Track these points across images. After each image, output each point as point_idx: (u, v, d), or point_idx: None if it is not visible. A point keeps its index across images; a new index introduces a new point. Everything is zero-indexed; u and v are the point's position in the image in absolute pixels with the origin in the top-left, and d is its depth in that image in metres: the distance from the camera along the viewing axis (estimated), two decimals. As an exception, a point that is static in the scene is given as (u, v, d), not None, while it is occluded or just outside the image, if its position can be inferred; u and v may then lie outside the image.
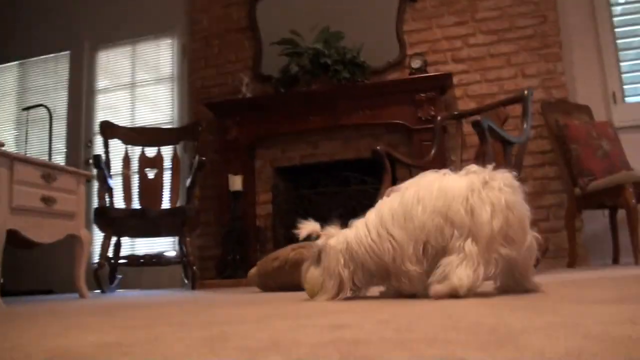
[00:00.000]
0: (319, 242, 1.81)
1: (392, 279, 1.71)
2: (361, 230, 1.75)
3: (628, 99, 5.05)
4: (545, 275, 3.08)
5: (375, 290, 1.87)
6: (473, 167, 1.70)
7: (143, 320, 1.39)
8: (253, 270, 3.17)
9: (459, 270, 1.51)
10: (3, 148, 3.08)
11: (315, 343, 0.80)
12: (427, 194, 1.63)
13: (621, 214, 4.40)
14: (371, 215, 1.77)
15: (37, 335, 1.15)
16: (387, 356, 0.66)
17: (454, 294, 1.50)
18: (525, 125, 3.84)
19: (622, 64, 5.08)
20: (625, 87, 5.05)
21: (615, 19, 5.14)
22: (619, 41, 5.10)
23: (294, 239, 4.53)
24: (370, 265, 1.72)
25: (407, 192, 1.70)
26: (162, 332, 1.08)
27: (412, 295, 1.68)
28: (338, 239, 1.78)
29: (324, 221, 1.94)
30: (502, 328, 0.87)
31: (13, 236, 3.16)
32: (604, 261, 4.70)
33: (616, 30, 5.12)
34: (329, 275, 1.76)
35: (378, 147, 3.88)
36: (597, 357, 0.60)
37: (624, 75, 5.07)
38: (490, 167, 1.67)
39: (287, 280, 2.84)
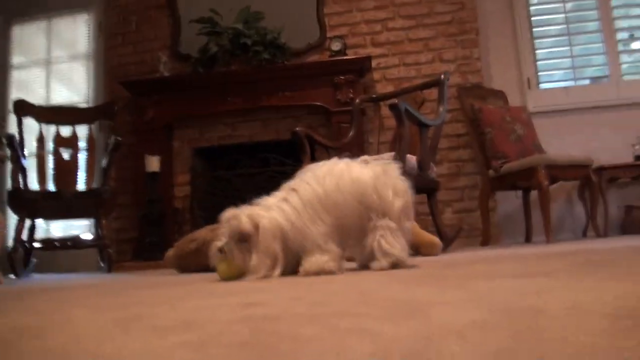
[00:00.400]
0: (245, 224, 1.81)
1: (311, 257, 1.83)
2: (290, 213, 1.85)
3: (542, 85, 5.25)
4: (458, 253, 3.18)
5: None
6: (366, 157, 2.04)
7: (56, 304, 1.36)
8: (170, 252, 3.13)
9: (391, 243, 1.84)
10: None
11: (227, 320, 0.80)
12: (344, 183, 1.87)
13: (533, 194, 4.58)
14: (294, 198, 1.88)
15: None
16: (297, 330, 0.67)
17: (396, 264, 1.84)
18: (440, 109, 3.93)
19: (537, 51, 5.27)
20: (539, 73, 5.24)
21: (531, 7, 5.32)
22: (534, 29, 5.29)
23: (212, 221, 4.49)
24: (295, 246, 1.84)
25: (327, 180, 1.88)
26: (75, 314, 1.06)
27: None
28: (270, 221, 1.83)
29: (243, 203, 1.95)
30: (411, 302, 0.89)
31: None
32: (517, 240, 4.89)
33: (532, 18, 5.30)
34: (266, 256, 1.81)
35: (297, 129, 3.89)
36: (500, 327, 0.62)
37: (538, 62, 5.25)
38: (383, 157, 2.13)
39: (205, 262, 2.81)
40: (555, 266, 1.55)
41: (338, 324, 0.70)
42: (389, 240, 1.84)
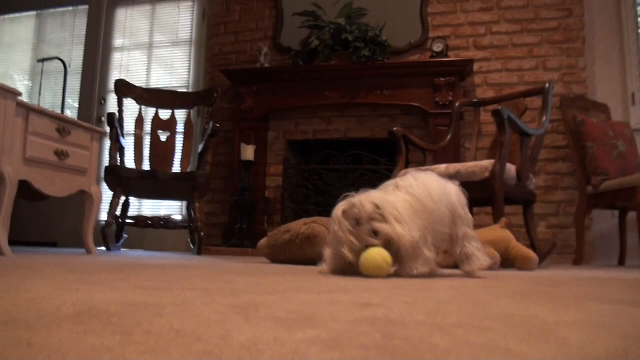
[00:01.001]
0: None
1: (406, 261, 1.88)
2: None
3: (647, 101, 5.00)
4: (552, 270, 3.08)
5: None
6: (423, 168, 2.23)
7: (162, 282, 1.38)
8: (263, 241, 3.18)
9: (478, 252, 2.07)
10: (19, 98, 3.06)
11: (350, 319, 0.79)
12: (436, 193, 1.95)
13: (631, 215, 4.39)
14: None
15: (58, 289, 1.15)
16: (430, 340, 0.65)
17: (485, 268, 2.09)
18: (544, 119, 3.81)
19: (644, 65, 5.03)
20: (645, 89, 5.00)
21: (640, 19, 5.07)
22: (642, 42, 5.05)
23: (302, 213, 4.51)
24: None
25: (415, 189, 1.92)
26: (187, 296, 1.07)
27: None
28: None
29: (333, 198, 1.95)
30: (535, 320, 0.86)
31: (24, 187, 3.16)
32: (610, 261, 4.70)
33: (640, 31, 5.06)
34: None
35: (395, 129, 3.87)
36: (645, 359, 0.59)
37: (644, 77, 5.01)
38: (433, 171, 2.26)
39: (297, 254, 2.84)
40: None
41: (469, 338, 0.67)
42: (480, 247, 2.09)
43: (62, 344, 0.57)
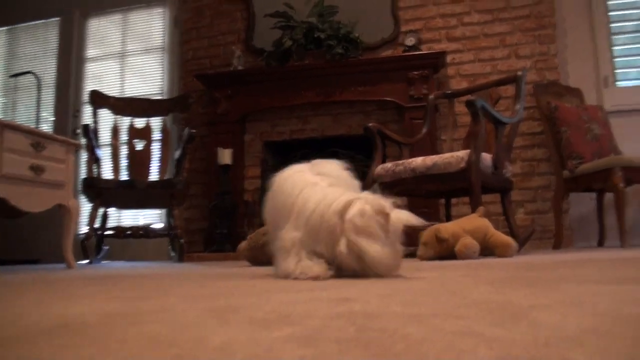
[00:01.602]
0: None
1: None
2: None
3: (619, 83, 5.05)
4: (531, 256, 3.11)
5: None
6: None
7: (141, 292, 1.38)
8: (243, 244, 3.17)
9: None
10: (-8, 114, 3.03)
11: (326, 315, 0.79)
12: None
13: (608, 197, 4.44)
14: None
15: (36, 305, 1.14)
16: (403, 330, 0.66)
17: None
18: (517, 106, 3.84)
19: (614, 47, 5.07)
20: (616, 71, 5.05)
21: (609, 2, 5.11)
22: (612, 25, 5.09)
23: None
24: None
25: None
26: (166, 303, 1.07)
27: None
28: None
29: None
30: (510, 305, 0.87)
31: (0, 205, 3.13)
32: (589, 243, 4.75)
33: (610, 13, 5.10)
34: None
35: (370, 125, 3.88)
36: (612, 334, 0.60)
37: (616, 60, 5.06)
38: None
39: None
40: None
41: (443, 326, 0.68)
42: None
43: (36, 360, 0.57)
